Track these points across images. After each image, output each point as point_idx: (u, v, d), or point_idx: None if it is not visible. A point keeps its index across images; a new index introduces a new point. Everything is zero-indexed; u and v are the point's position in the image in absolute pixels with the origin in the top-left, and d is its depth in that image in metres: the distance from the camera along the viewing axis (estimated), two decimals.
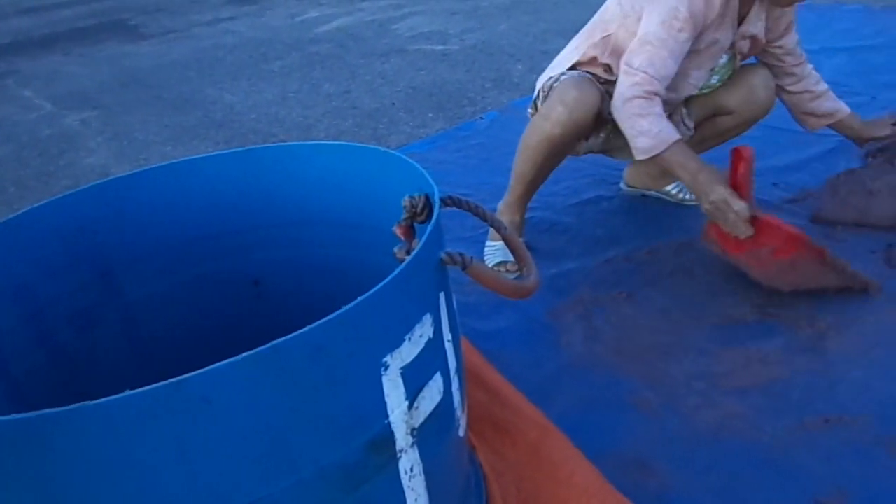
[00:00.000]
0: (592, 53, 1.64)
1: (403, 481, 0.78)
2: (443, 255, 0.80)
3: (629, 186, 2.01)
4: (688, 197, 1.93)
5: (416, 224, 0.91)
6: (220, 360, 0.60)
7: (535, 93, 1.73)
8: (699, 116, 1.78)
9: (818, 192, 1.86)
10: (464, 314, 1.52)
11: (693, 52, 1.56)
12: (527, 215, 1.77)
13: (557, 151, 1.62)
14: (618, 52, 1.62)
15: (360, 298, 0.67)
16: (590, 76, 1.62)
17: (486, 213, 0.94)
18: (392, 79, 3.53)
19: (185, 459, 0.63)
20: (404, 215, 0.90)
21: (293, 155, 1.12)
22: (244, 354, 0.61)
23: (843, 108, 1.80)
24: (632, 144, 1.52)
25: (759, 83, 1.71)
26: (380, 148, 1.01)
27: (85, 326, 1.07)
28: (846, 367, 1.29)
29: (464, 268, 0.80)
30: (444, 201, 0.90)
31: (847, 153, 1.99)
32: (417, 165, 0.92)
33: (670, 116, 1.71)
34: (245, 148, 1.12)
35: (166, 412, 0.59)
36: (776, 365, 1.32)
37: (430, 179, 0.88)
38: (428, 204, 0.88)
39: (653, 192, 1.97)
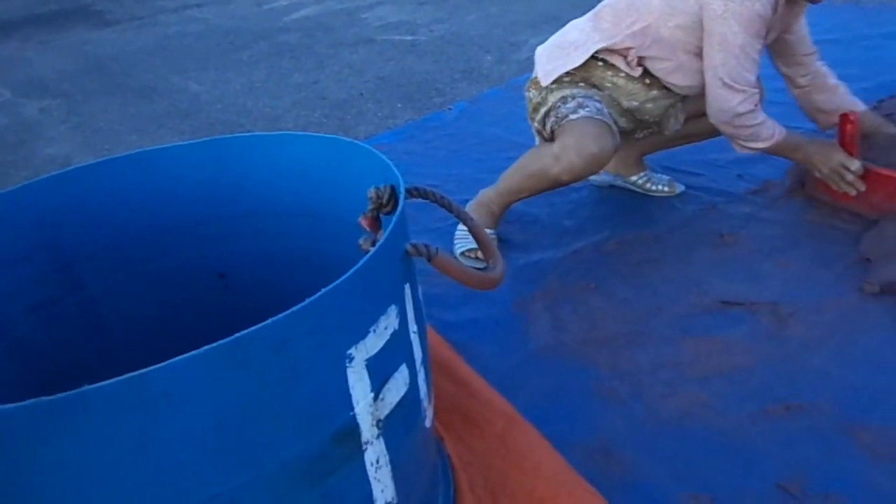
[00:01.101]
0: (629, 44, 1.60)
1: (369, 473, 0.78)
2: (408, 247, 0.80)
3: (596, 175, 2.02)
4: (654, 188, 1.95)
5: (382, 215, 0.91)
6: (184, 354, 0.60)
7: (546, 84, 1.64)
8: (689, 113, 1.79)
9: (780, 182, 1.89)
10: (432, 305, 1.53)
11: None
12: None
13: (557, 188, 1.64)
14: (661, 47, 1.60)
15: (323, 290, 0.67)
16: (608, 120, 1.56)
17: (451, 205, 0.94)
18: (360, 69, 3.51)
19: (145, 454, 0.62)
20: (370, 206, 0.89)
21: (259, 145, 1.11)
22: (205, 348, 0.60)
23: (858, 103, 1.79)
24: (744, 145, 1.66)
25: None
26: (346, 139, 1.01)
27: (45, 320, 1.05)
28: (807, 355, 1.32)
29: (429, 259, 0.80)
30: (410, 192, 0.90)
31: None
32: (383, 156, 0.92)
33: (666, 111, 1.72)
34: (210, 138, 1.11)
35: (125, 407, 0.59)
36: (739, 353, 1.34)
37: (396, 170, 0.87)
38: (393, 195, 0.88)
39: (620, 183, 1.99)
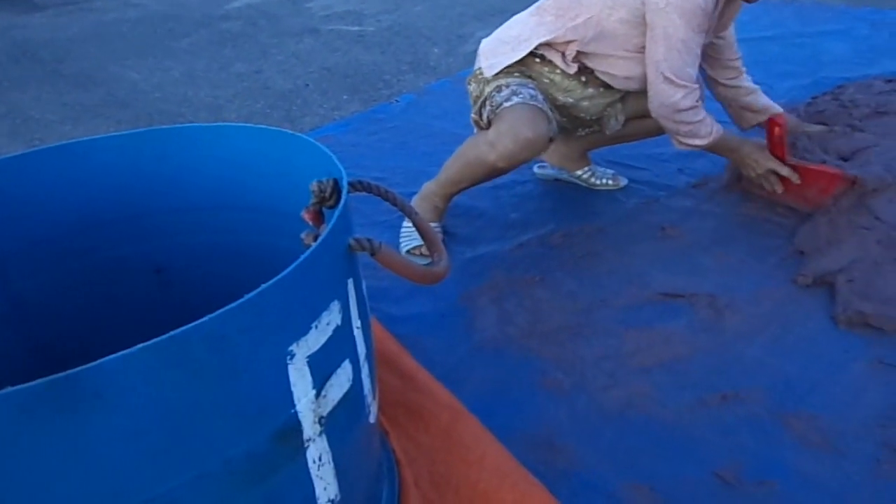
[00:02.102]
0: (571, 37, 1.60)
1: (312, 470, 0.77)
2: (351, 241, 0.79)
3: (543, 168, 2.04)
4: (599, 182, 1.97)
5: (325, 209, 0.90)
6: (116, 353, 0.58)
7: (487, 76, 1.65)
8: (630, 114, 1.81)
9: (719, 176, 1.94)
10: (378, 299, 1.52)
11: None
12: None
13: (496, 176, 1.65)
14: (603, 41, 1.61)
15: (262, 286, 0.65)
16: (543, 106, 1.57)
17: (396, 198, 0.93)
18: (306, 59, 3.46)
19: (76, 458, 0.60)
20: (312, 200, 0.88)
21: (198, 136, 1.07)
22: (138, 346, 0.58)
23: (776, 106, 1.88)
24: (682, 141, 1.68)
25: None
26: (287, 131, 0.99)
27: None
28: (743, 345, 1.36)
29: (372, 253, 0.79)
30: (353, 186, 0.89)
31: None
32: (326, 149, 0.90)
33: (604, 110, 1.74)
34: (148, 128, 1.07)
35: (53, 409, 0.56)
36: (678, 344, 1.37)
37: (339, 164, 0.86)
38: (336, 189, 0.86)
39: (565, 177, 2.01)
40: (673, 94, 1.59)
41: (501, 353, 1.39)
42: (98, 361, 0.57)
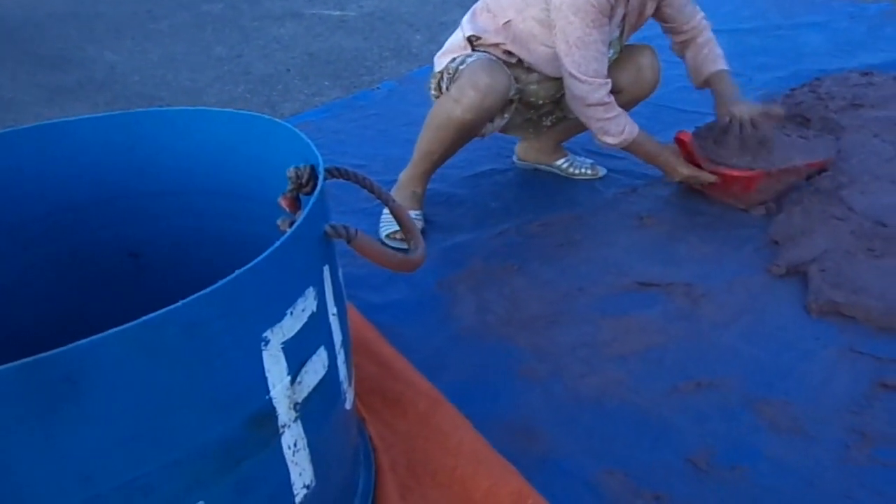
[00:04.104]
0: (496, 40, 1.66)
1: (287, 456, 0.78)
2: (327, 228, 0.79)
3: (521, 161, 2.05)
4: (577, 172, 1.98)
5: (302, 195, 0.89)
6: (89, 338, 0.57)
7: (437, 71, 1.72)
8: None
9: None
10: (356, 286, 1.52)
11: None
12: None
13: (466, 134, 1.64)
14: (521, 42, 1.65)
15: (237, 272, 0.65)
16: (498, 61, 1.62)
17: (373, 186, 0.93)
18: (287, 44, 3.42)
19: (49, 443, 0.59)
20: (289, 186, 0.87)
21: (175, 120, 1.06)
22: (111, 331, 0.58)
23: (709, 65, 1.80)
24: (598, 138, 1.71)
25: (646, 63, 1.77)
26: (265, 116, 0.98)
27: None
28: (717, 333, 1.38)
29: (348, 241, 0.79)
30: (331, 173, 0.89)
31: None
32: (303, 135, 0.90)
33: (557, 92, 1.75)
34: (125, 111, 1.06)
35: (24, 394, 0.56)
36: (654, 332, 1.39)
37: (316, 150, 0.86)
38: (313, 175, 0.86)
39: (544, 167, 2.02)
40: (577, 88, 1.62)
41: (479, 341, 1.39)
42: (69, 346, 0.56)
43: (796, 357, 1.31)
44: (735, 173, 1.71)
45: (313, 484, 0.83)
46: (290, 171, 0.87)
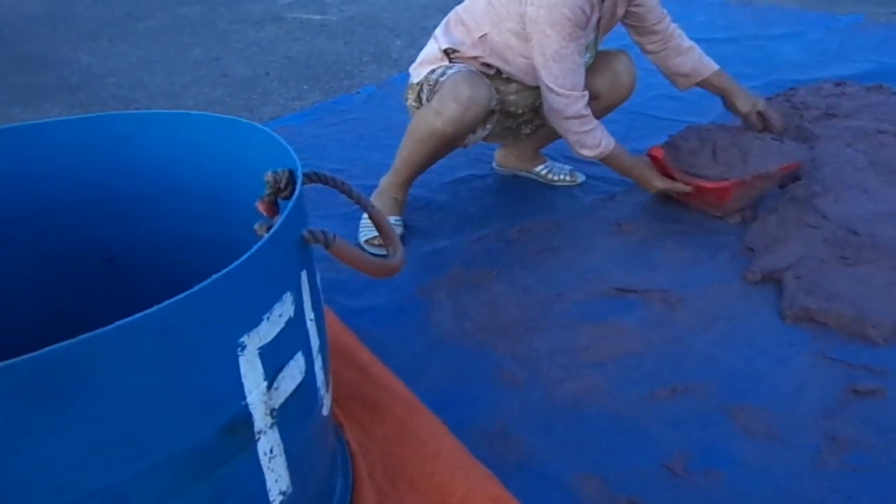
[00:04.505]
0: (473, 53, 1.66)
1: (263, 463, 0.77)
2: (305, 233, 0.79)
3: (501, 167, 2.06)
4: (556, 178, 1.99)
5: (280, 200, 0.89)
6: (59, 343, 0.56)
7: (415, 82, 1.71)
8: None
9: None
10: (335, 291, 1.51)
11: None
12: None
13: (447, 146, 1.65)
14: (498, 54, 1.66)
15: (212, 277, 0.64)
16: (478, 73, 1.62)
17: (352, 191, 0.93)
18: (267, 47, 3.41)
19: (15, 450, 0.58)
20: (267, 190, 0.87)
21: (153, 123, 1.05)
22: (82, 336, 0.57)
23: (707, 67, 1.84)
24: (574, 150, 1.72)
25: (622, 69, 1.79)
26: (242, 119, 0.97)
27: None
28: (693, 340, 1.39)
29: (326, 246, 0.79)
30: (309, 177, 0.88)
31: None
32: (281, 140, 0.89)
33: (536, 100, 1.76)
34: (101, 113, 1.05)
35: None
36: (631, 338, 1.40)
37: (294, 155, 0.85)
38: (291, 180, 0.86)
39: (523, 173, 2.03)
40: (554, 101, 1.63)
41: (458, 347, 1.39)
42: (39, 352, 0.55)
43: (770, 363, 1.33)
44: (709, 185, 1.73)
45: (290, 491, 0.82)
46: (268, 176, 0.86)
